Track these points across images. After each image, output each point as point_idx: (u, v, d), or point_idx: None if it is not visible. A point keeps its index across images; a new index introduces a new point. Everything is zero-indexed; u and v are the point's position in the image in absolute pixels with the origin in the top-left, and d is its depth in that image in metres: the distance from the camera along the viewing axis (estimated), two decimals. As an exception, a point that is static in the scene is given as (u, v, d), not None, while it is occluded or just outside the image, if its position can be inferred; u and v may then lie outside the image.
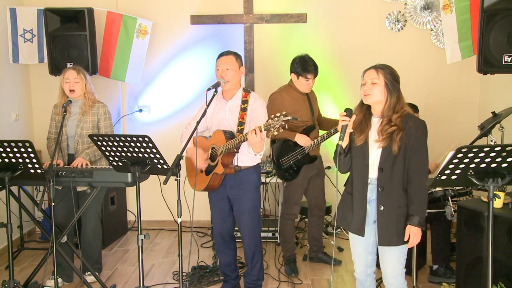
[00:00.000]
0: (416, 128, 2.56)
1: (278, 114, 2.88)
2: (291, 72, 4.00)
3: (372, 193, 2.66)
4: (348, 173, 2.80)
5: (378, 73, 2.60)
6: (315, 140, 3.95)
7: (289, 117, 2.85)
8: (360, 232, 2.69)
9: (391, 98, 2.59)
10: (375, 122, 2.66)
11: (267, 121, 2.91)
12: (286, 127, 2.91)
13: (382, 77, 2.59)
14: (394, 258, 2.67)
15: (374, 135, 2.63)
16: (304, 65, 3.91)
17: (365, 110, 2.69)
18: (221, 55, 3.43)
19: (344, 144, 2.65)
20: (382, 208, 2.61)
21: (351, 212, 2.71)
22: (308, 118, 4.04)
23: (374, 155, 2.63)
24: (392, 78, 2.60)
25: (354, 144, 2.67)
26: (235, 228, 3.63)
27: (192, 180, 3.45)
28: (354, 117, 2.62)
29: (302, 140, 3.91)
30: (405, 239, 2.59)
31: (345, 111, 2.61)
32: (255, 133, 2.96)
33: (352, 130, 2.65)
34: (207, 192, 3.57)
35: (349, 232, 2.80)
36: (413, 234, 2.56)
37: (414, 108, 3.98)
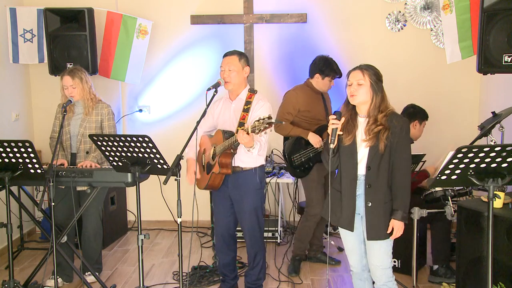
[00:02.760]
0: (400, 127, 2.65)
1: (262, 117, 2.89)
2: (315, 72, 4.00)
3: (359, 188, 2.74)
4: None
5: (364, 74, 2.68)
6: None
7: (272, 120, 2.88)
8: (350, 227, 2.78)
9: (376, 98, 2.67)
10: (362, 122, 2.74)
11: (254, 122, 2.91)
12: (270, 130, 2.91)
13: (368, 77, 2.67)
14: (382, 251, 2.75)
15: (362, 135, 2.72)
16: (331, 66, 3.97)
17: (350, 110, 2.77)
18: (225, 55, 3.42)
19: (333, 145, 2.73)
20: (370, 204, 2.70)
21: (340, 208, 2.79)
22: (322, 117, 4.06)
23: (362, 153, 2.71)
24: (376, 78, 2.68)
25: (342, 144, 2.75)
26: (238, 228, 3.63)
27: (199, 179, 3.46)
28: (343, 119, 2.70)
29: (314, 139, 3.92)
30: (388, 232, 2.70)
31: (334, 114, 2.69)
32: (242, 135, 2.97)
33: (341, 133, 2.72)
34: (208, 192, 3.58)
35: (339, 228, 2.87)
36: (396, 227, 2.68)
37: (424, 114, 4.01)
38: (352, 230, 2.77)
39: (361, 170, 2.72)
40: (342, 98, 5.06)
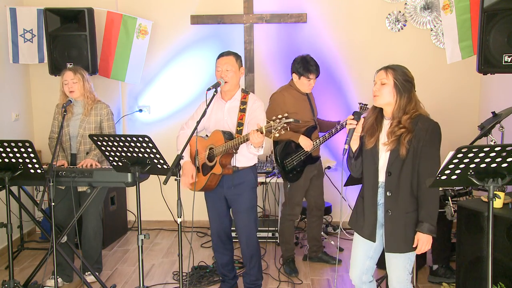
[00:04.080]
0: (426, 131, 2.48)
1: (280, 116, 2.88)
2: (292, 72, 4.00)
3: (381, 197, 2.61)
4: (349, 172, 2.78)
5: (388, 74, 2.54)
6: (317, 141, 3.95)
7: (291, 119, 2.86)
8: (372, 237, 2.64)
9: (400, 99, 2.52)
10: (386, 124, 2.60)
11: (269, 122, 2.92)
12: (288, 128, 2.92)
13: (392, 77, 2.53)
14: (400, 265, 2.61)
15: (384, 138, 2.58)
16: (306, 65, 3.91)
17: (377, 112, 2.63)
18: (221, 55, 3.43)
19: (354, 147, 2.60)
20: (390, 213, 2.56)
21: (363, 217, 2.67)
22: (310, 118, 4.05)
23: (383, 159, 2.57)
24: (403, 79, 2.52)
25: (365, 147, 2.62)
26: (232, 228, 3.63)
27: (193, 182, 3.45)
28: (362, 120, 2.56)
29: (305, 143, 3.90)
30: (414, 246, 2.53)
31: (353, 114, 2.56)
32: (257, 135, 2.97)
33: (361, 134, 2.59)
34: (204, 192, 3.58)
35: (355, 234, 2.75)
36: (422, 241, 2.49)
37: None
38: (374, 240, 2.63)
39: (382, 176, 2.58)
40: (344, 98, 5.09)
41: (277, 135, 2.91)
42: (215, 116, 3.45)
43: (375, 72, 2.62)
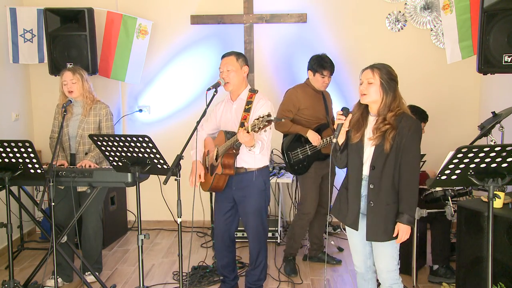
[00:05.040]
0: (408, 128, 2.60)
1: (262, 115, 2.90)
2: (308, 70, 4.06)
3: (364, 189, 2.73)
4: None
5: (374, 73, 2.65)
6: (327, 138, 3.97)
7: (272, 118, 2.87)
8: (355, 226, 2.76)
9: (386, 97, 2.63)
10: (371, 120, 2.71)
11: (253, 121, 2.92)
12: (270, 128, 2.94)
13: (378, 77, 2.64)
14: (387, 254, 2.72)
15: (369, 133, 2.69)
16: (320, 62, 3.98)
17: (363, 108, 2.74)
18: (222, 56, 3.43)
19: (340, 141, 2.75)
20: (372, 204, 2.67)
21: (347, 206, 2.78)
22: (323, 116, 4.08)
23: (368, 153, 2.69)
24: (388, 78, 2.64)
25: (350, 142, 2.74)
26: (240, 228, 3.61)
27: (203, 182, 3.45)
28: (350, 116, 2.69)
29: (313, 137, 3.94)
30: (394, 235, 2.66)
31: (341, 110, 2.69)
32: (242, 133, 2.99)
33: (348, 129, 2.72)
34: (208, 192, 3.58)
35: (346, 227, 2.86)
36: (402, 231, 2.63)
37: (424, 115, 4.01)
38: (356, 229, 2.75)
39: (366, 170, 2.70)
40: (343, 97, 5.09)
41: (261, 132, 2.96)
42: (225, 117, 3.47)
43: (361, 71, 2.73)
